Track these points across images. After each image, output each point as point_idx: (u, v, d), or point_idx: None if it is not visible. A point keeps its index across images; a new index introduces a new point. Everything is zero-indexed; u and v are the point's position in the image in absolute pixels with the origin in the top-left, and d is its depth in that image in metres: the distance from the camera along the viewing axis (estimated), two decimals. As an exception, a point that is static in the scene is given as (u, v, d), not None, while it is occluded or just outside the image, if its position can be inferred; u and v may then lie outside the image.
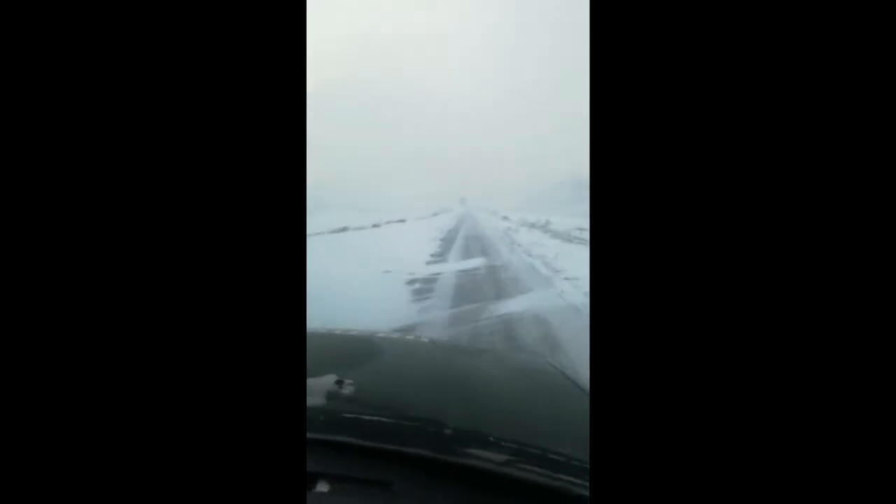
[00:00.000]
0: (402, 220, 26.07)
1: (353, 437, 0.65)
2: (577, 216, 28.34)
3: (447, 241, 14.24)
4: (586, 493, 0.56)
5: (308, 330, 0.62)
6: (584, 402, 0.91)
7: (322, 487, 0.58)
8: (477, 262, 8.31)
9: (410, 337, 2.23)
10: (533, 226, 21.65)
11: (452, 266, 7.97)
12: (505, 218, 33.49)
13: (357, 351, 1.17)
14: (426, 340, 2.09)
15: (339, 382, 0.81)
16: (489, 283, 6.74)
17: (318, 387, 0.79)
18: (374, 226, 20.62)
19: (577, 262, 7.97)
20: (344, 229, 16.46)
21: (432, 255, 9.93)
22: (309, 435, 0.54)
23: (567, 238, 14.45)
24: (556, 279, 6.91)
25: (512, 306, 5.15)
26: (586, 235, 12.86)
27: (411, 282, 6.68)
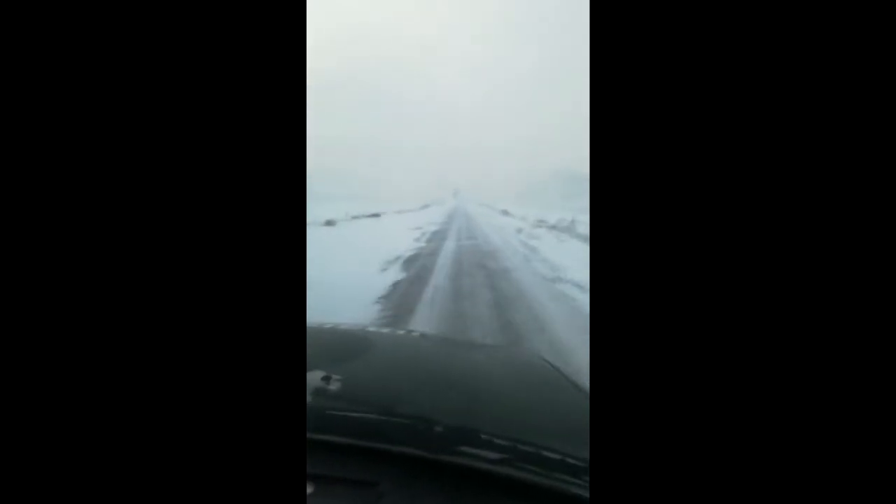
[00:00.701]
0: (376, 215, 22.48)
1: (339, 436, 0.63)
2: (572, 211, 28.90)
3: (434, 238, 12.65)
4: (582, 492, 0.55)
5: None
6: (578, 398, 0.91)
7: (307, 489, 0.55)
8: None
9: (401, 331, 2.19)
10: (554, 227, 15.79)
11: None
12: (505, 212, 31.01)
13: (347, 345, 1.12)
14: (417, 334, 1.89)
15: (327, 378, 0.78)
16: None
17: (307, 383, 0.76)
18: (354, 218, 18.59)
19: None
20: (330, 223, 15.13)
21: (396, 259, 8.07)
22: None
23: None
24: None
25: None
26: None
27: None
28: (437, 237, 12.16)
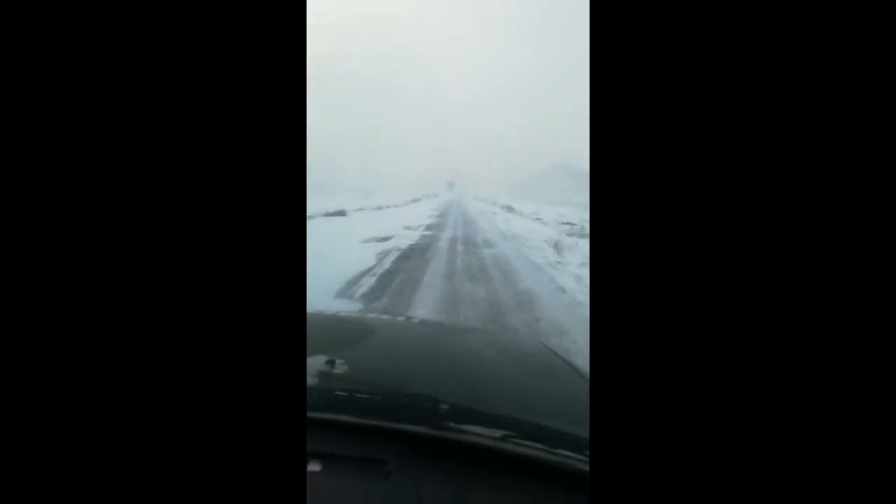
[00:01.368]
0: (362, 209, 20.68)
1: (346, 415, 0.64)
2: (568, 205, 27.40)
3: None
4: (584, 467, 0.56)
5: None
6: (578, 381, 0.92)
7: (314, 467, 0.57)
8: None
9: (401, 318, 2.17)
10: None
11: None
12: (509, 209, 25.50)
13: (348, 332, 1.14)
14: (417, 321, 2.03)
15: (331, 362, 0.80)
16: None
17: (310, 367, 0.78)
18: (339, 213, 16.96)
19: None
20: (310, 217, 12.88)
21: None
22: None
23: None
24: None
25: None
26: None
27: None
28: (415, 254, 7.47)
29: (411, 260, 6.83)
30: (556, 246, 8.67)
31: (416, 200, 39.07)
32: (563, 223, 14.30)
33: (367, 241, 8.98)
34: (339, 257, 6.57)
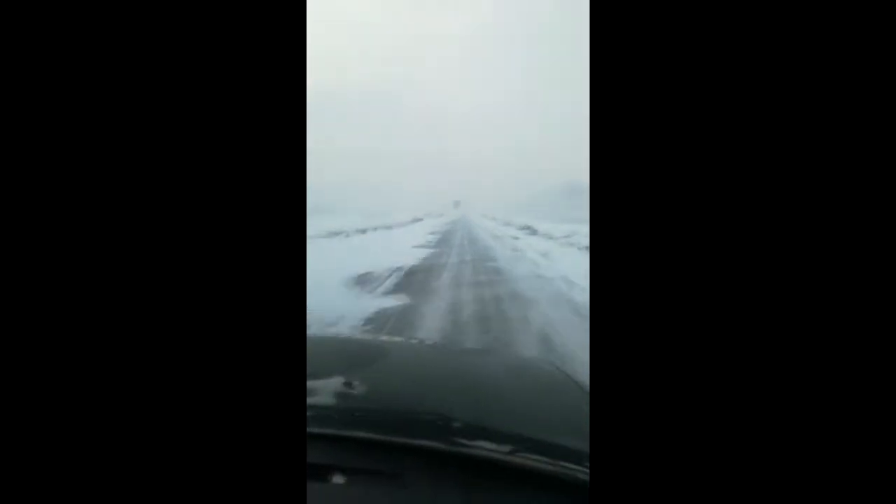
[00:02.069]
0: (363, 231, 18.86)
1: (364, 432, 0.67)
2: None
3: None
4: (586, 477, 0.59)
5: (313, 334, 0.75)
6: (585, 400, 0.95)
7: (338, 479, 0.60)
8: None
9: (415, 340, 2.26)
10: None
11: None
12: (531, 230, 20.41)
13: (364, 353, 1.17)
14: (431, 343, 2.11)
15: (348, 384, 0.83)
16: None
17: (328, 388, 0.81)
18: (333, 234, 15.71)
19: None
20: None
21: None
22: (323, 430, 0.63)
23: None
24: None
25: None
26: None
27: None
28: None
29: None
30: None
31: (416, 220, 33.84)
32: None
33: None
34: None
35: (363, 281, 6.33)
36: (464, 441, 0.65)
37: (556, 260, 9.15)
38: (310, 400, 0.69)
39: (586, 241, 13.22)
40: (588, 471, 0.59)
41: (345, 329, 4.06)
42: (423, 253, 10.61)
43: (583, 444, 0.62)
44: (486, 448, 0.64)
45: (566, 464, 0.62)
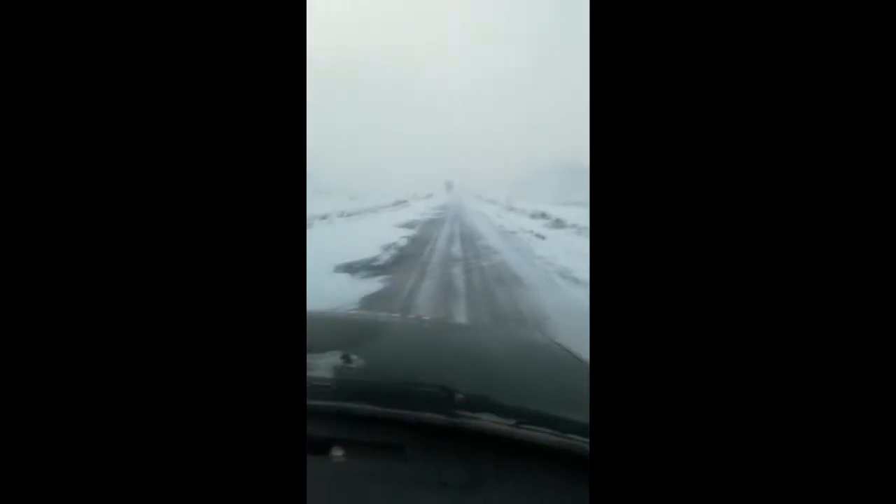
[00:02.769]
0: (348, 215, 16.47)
1: (365, 405, 0.66)
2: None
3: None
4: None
5: (312, 312, 0.69)
6: (585, 374, 0.99)
7: (337, 452, 0.60)
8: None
9: (412, 317, 2.26)
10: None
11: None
12: (549, 220, 15.14)
13: (363, 329, 1.17)
14: (427, 319, 2.06)
15: (346, 358, 0.82)
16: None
17: (325, 362, 0.80)
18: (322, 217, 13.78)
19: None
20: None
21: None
22: (322, 403, 0.63)
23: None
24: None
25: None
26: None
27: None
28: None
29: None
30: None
31: (399, 203, 28.47)
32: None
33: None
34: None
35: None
36: (466, 413, 0.64)
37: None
38: (309, 374, 0.66)
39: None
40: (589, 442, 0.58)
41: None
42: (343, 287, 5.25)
43: (582, 416, 0.62)
44: (489, 420, 0.63)
45: (573, 436, 0.61)
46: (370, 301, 4.69)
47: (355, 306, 4.46)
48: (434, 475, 0.57)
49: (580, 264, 6.48)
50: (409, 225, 14.23)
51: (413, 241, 9.89)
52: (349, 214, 16.66)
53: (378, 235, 10.31)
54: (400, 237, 10.26)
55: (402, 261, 7.01)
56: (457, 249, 8.55)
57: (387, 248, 8.46)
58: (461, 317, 4.25)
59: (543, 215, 16.38)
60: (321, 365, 0.78)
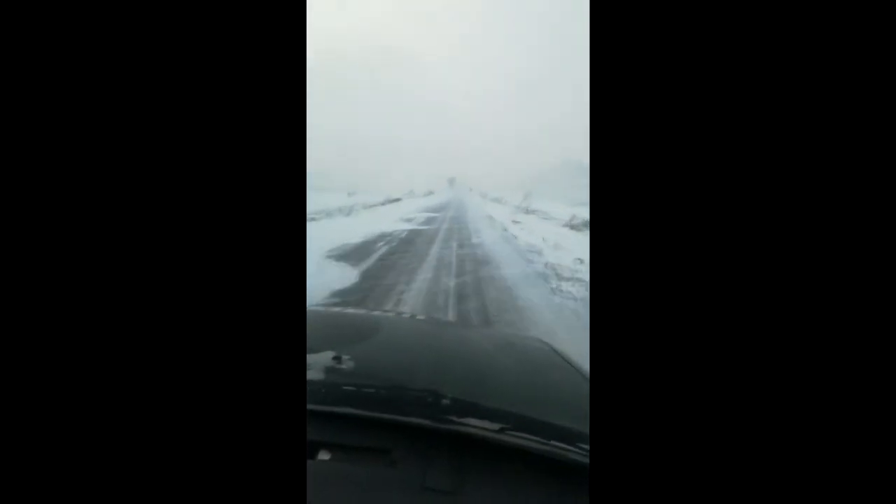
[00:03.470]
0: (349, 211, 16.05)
1: (353, 408, 0.66)
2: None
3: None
4: (578, 458, 0.59)
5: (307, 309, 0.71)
6: (578, 379, 0.93)
7: (323, 456, 0.60)
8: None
9: (406, 314, 2.21)
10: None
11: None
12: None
13: (355, 327, 1.17)
14: (422, 318, 2.14)
15: (337, 358, 0.82)
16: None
17: (317, 362, 0.80)
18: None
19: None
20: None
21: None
22: (310, 406, 0.62)
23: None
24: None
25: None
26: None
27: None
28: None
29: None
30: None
31: (392, 201, 25.35)
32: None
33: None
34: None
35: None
36: (454, 418, 0.64)
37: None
38: None
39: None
40: (573, 449, 0.59)
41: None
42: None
43: (575, 424, 0.64)
44: (476, 426, 0.63)
45: (558, 443, 0.61)
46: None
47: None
48: (419, 479, 0.57)
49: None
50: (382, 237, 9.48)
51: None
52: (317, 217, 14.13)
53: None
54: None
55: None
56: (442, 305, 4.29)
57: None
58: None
59: (573, 222, 12.13)
60: (314, 365, 0.79)
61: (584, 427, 0.54)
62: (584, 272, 5.64)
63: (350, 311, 1.62)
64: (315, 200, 19.75)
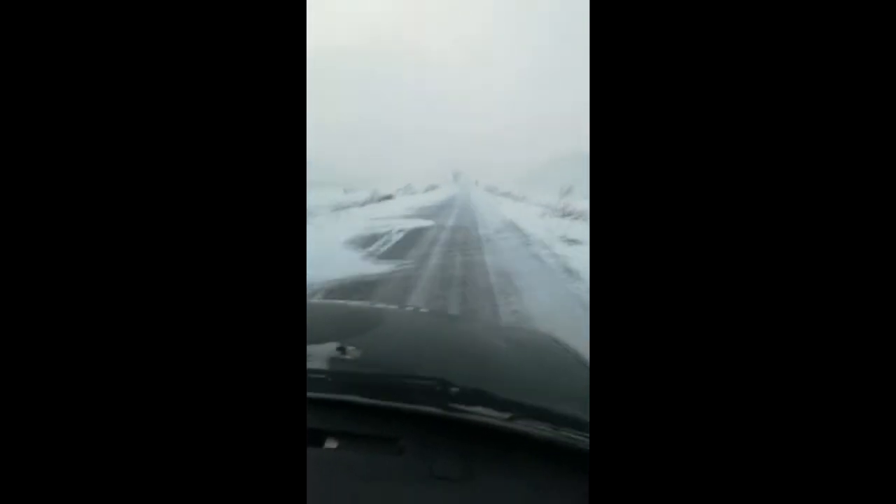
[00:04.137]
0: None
1: (360, 397, 0.66)
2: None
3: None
4: (586, 445, 0.58)
5: (309, 302, 0.68)
6: (584, 373, 0.92)
7: (331, 444, 0.59)
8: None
9: (409, 307, 2.24)
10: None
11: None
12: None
13: (360, 320, 1.15)
14: (425, 311, 2.10)
15: (342, 349, 0.81)
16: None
17: (323, 352, 0.79)
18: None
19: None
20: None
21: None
22: (317, 395, 0.63)
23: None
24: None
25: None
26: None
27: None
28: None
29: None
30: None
31: (384, 199, 19.81)
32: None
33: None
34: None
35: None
36: (462, 406, 0.64)
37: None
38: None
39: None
40: (584, 437, 0.58)
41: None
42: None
43: (577, 410, 0.63)
44: (484, 414, 0.63)
45: (567, 431, 0.60)
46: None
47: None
48: (427, 468, 0.57)
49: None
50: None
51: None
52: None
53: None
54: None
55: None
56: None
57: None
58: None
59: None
60: (317, 355, 0.78)
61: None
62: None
63: (353, 303, 1.60)
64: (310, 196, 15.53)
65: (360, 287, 4.40)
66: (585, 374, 0.89)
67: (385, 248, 6.85)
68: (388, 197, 21.63)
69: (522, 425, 0.62)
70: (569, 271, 5.48)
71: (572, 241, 7.83)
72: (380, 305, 1.53)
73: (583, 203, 14.99)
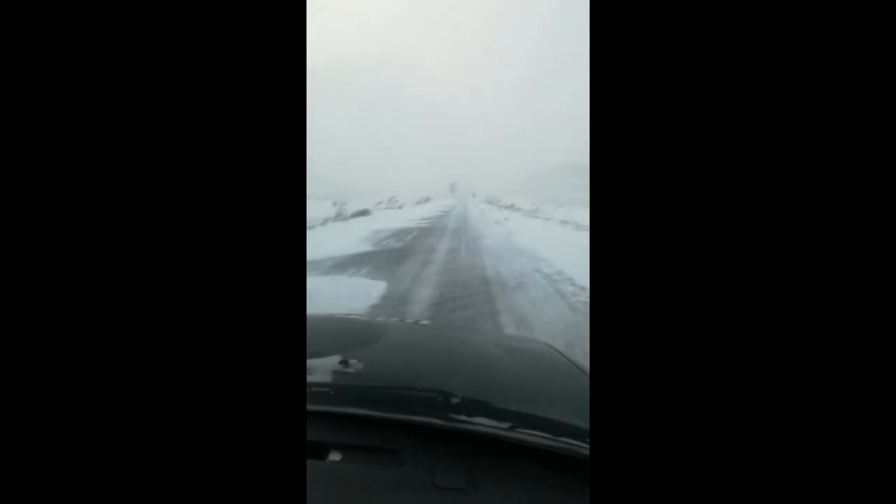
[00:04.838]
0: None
1: (362, 409, 0.66)
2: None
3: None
4: (586, 453, 0.58)
5: (309, 314, 0.67)
6: (584, 381, 0.92)
7: (334, 456, 0.60)
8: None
9: (410, 321, 2.28)
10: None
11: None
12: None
13: (361, 332, 1.16)
14: (426, 324, 2.12)
15: (345, 362, 0.81)
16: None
17: (325, 365, 0.79)
18: None
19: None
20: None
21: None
22: (320, 407, 0.63)
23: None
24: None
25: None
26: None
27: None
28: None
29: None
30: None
31: (362, 214, 17.77)
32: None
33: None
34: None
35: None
36: (463, 417, 0.64)
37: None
38: (307, 378, 0.66)
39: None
40: (584, 445, 0.59)
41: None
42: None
43: (577, 419, 0.64)
44: (485, 424, 0.63)
45: (568, 440, 0.61)
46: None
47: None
48: (429, 478, 0.57)
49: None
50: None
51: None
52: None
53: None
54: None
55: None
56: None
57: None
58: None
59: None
60: (320, 369, 0.78)
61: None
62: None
63: (354, 317, 1.60)
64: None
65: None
66: (585, 383, 0.89)
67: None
68: (364, 212, 18.66)
69: (523, 435, 0.62)
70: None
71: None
72: (380, 319, 1.50)
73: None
